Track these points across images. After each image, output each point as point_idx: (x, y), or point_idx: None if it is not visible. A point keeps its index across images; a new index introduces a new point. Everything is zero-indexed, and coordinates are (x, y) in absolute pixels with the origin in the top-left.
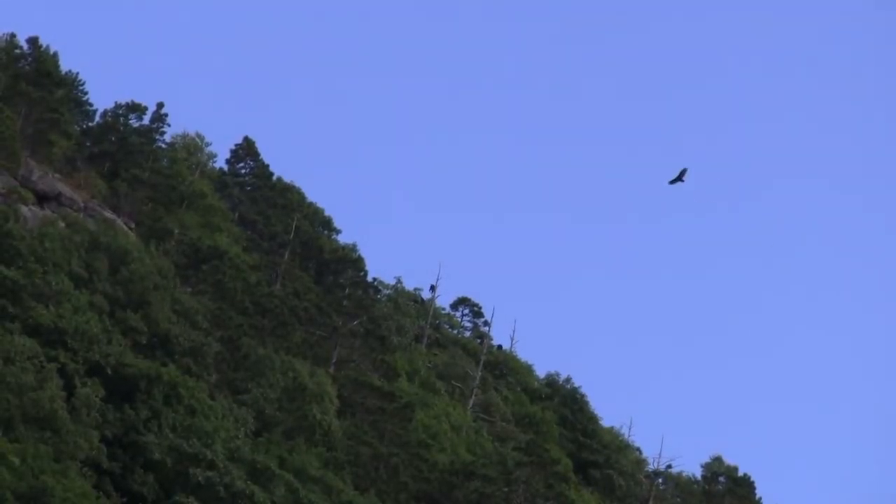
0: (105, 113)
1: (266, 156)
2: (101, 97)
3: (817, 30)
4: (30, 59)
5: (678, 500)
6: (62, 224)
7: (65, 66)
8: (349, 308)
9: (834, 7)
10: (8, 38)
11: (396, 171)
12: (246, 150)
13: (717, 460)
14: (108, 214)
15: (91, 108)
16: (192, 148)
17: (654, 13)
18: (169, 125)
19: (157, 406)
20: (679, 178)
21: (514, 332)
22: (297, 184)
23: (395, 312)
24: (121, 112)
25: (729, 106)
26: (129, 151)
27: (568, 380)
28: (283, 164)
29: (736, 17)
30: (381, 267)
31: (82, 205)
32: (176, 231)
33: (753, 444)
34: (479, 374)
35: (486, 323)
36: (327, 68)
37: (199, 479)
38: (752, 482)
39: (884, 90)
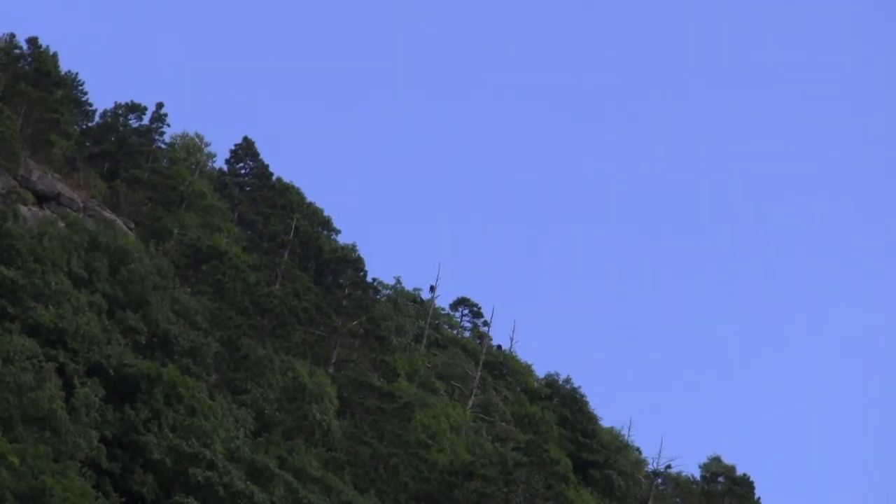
0: (105, 113)
1: (266, 156)
2: (101, 97)
3: (827, 41)
4: (29, 59)
5: (678, 500)
6: (62, 224)
7: (65, 66)
8: (349, 308)
9: (839, 19)
10: (8, 38)
11: (396, 170)
12: (245, 150)
13: (716, 460)
14: (108, 214)
15: (91, 109)
16: (191, 148)
17: (657, 23)
18: (169, 125)
19: (157, 406)
20: None
21: (513, 332)
22: (296, 184)
23: (395, 313)
24: (120, 112)
25: (733, 115)
26: (128, 151)
27: (567, 380)
28: (282, 164)
29: (742, 25)
30: (380, 267)
31: (82, 205)
32: (175, 231)
33: (752, 445)
34: (479, 374)
35: (485, 323)
36: (327, 68)
37: (199, 479)
38: (752, 482)
39: (883, 102)
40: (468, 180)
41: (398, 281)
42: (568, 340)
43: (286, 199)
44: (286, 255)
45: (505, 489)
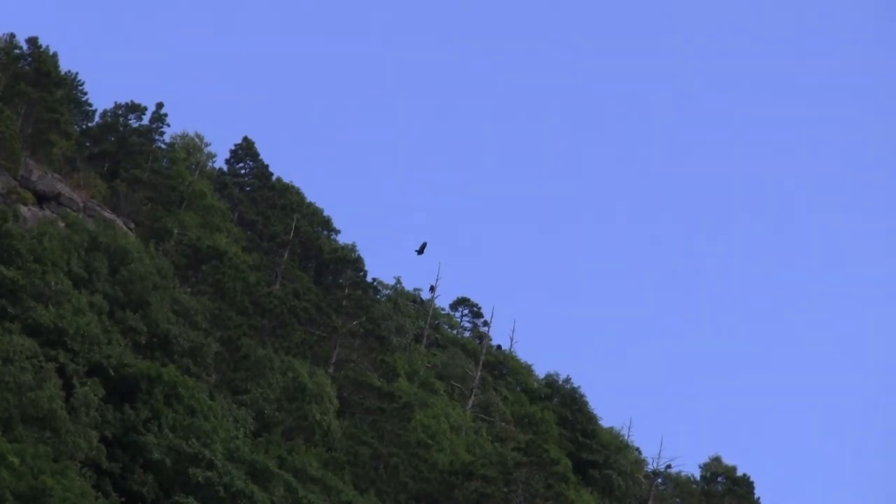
0: (105, 113)
1: (266, 156)
2: (101, 97)
3: (830, 41)
4: (30, 59)
5: (677, 500)
6: (62, 224)
7: (65, 66)
8: (349, 308)
9: (840, 18)
10: (8, 38)
11: (396, 170)
12: (245, 150)
13: (716, 460)
14: (108, 214)
15: (91, 108)
16: (191, 148)
17: (660, 23)
18: (169, 125)
19: (157, 406)
20: (421, 250)
21: (513, 332)
22: (296, 184)
23: (395, 313)
24: (120, 112)
25: (735, 117)
26: (128, 151)
27: (567, 380)
28: (282, 164)
29: (743, 25)
30: (380, 267)
31: (82, 205)
32: (175, 231)
33: (752, 445)
34: (479, 374)
35: (485, 323)
36: (326, 68)
37: (199, 479)
38: (752, 482)
39: (882, 105)
40: (468, 180)
41: (398, 281)
42: (568, 340)
43: (286, 199)
44: (286, 255)
45: (505, 489)
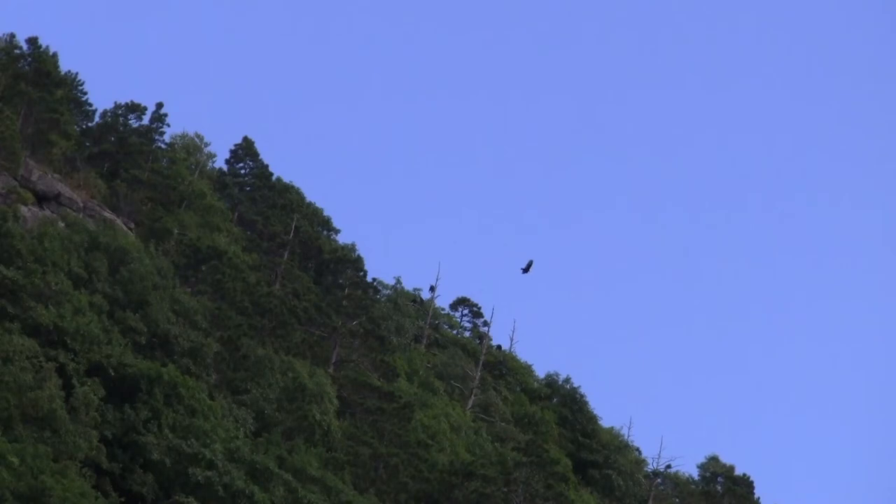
0: (105, 113)
1: (266, 156)
2: (101, 97)
3: (828, 40)
4: (30, 59)
5: (677, 500)
6: (62, 224)
7: (65, 66)
8: (349, 308)
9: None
10: (8, 38)
11: (396, 170)
12: (245, 150)
13: (714, 460)
14: (108, 214)
15: (91, 109)
16: (191, 148)
17: (659, 22)
18: (168, 125)
19: (157, 406)
20: (527, 268)
21: (513, 332)
22: (296, 184)
23: (395, 312)
24: (120, 112)
25: (734, 114)
26: (128, 152)
27: (567, 380)
28: (282, 164)
29: (742, 24)
30: (380, 267)
31: (82, 205)
32: (175, 231)
33: (752, 445)
34: (479, 374)
35: (485, 323)
36: (327, 68)
37: (199, 478)
38: (751, 482)
39: (882, 103)
40: (468, 180)
41: (398, 281)
42: (568, 340)
43: (286, 199)
44: (286, 255)
45: (505, 489)
